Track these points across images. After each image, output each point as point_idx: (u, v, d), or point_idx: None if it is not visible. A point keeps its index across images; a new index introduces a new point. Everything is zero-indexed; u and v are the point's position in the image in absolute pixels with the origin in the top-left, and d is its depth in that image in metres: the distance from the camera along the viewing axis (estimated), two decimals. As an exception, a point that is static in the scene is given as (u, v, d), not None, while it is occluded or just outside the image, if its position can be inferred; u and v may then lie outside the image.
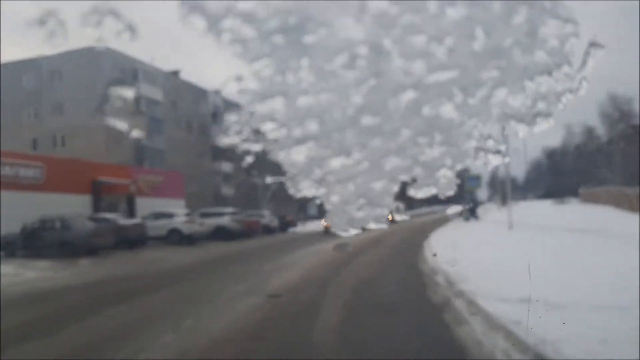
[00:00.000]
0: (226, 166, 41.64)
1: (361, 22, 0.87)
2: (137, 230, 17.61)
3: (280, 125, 1.02)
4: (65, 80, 32.79)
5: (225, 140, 1.02)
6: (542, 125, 0.99)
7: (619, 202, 25.44)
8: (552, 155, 56.46)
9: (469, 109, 0.99)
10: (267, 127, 1.01)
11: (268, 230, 25.68)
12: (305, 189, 1.17)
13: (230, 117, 0.98)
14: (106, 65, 32.01)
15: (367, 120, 1.03)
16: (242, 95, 0.97)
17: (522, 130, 1.01)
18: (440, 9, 0.84)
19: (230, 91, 0.95)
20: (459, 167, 1.13)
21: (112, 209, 22.69)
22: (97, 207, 22.51)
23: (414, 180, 1.18)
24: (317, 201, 1.21)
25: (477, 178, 28.89)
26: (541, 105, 0.96)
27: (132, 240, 17.06)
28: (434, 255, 9.21)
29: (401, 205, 1.26)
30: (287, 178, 1.14)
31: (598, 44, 0.90)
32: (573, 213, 23.03)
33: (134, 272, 10.87)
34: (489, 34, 0.86)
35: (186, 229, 18.92)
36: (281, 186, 37.73)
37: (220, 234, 20.73)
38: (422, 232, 19.18)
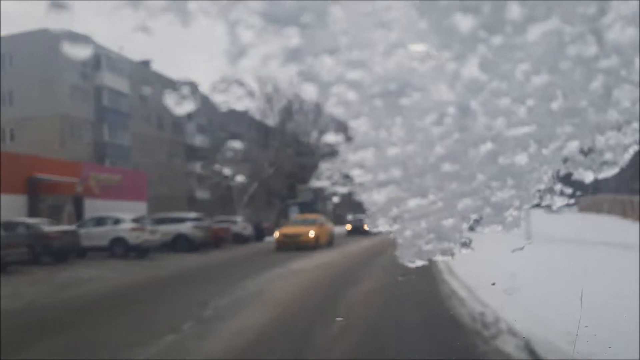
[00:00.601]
0: (201, 166, 41.69)
1: (453, 88, 1.09)
2: (66, 240, 15.68)
3: (367, 171, 1.24)
4: (17, 66, 32.22)
5: (317, 184, 1.23)
6: (607, 172, 1.23)
7: (626, 212, 26.15)
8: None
9: (542, 158, 1.22)
10: (356, 172, 1.22)
11: (240, 239, 24.72)
12: (381, 225, 1.39)
13: (325, 165, 1.19)
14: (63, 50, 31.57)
15: (446, 167, 1.25)
16: (340, 147, 1.18)
17: (588, 176, 1.24)
18: (526, 77, 1.06)
19: (330, 141, 1.17)
20: (525, 207, 1.36)
21: (55, 212, 21.65)
22: (34, 209, 21.11)
23: (481, 218, 1.41)
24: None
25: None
26: (608, 156, 1.19)
27: (60, 252, 15.32)
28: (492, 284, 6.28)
29: (468, 240, 1.49)
30: (366, 216, 1.36)
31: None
32: (584, 223, 23.39)
33: (25, 304, 8.64)
34: (566, 96, 1.09)
35: (133, 238, 17.30)
36: (260, 189, 37.98)
37: (180, 243, 19.72)
38: None
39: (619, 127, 1.15)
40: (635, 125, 1.12)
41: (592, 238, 14.49)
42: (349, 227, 31.07)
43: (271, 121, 40.74)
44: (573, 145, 1.17)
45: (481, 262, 9.25)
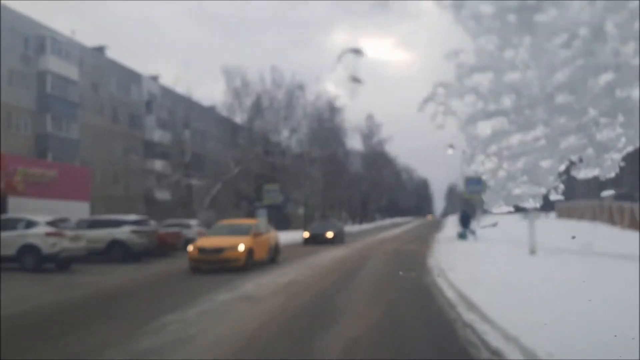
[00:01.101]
0: (160, 165, 40.97)
1: (592, 5, 1.14)
2: None
3: (480, 98, 1.28)
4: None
5: (420, 108, 1.27)
6: None
7: (613, 219, 27.01)
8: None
9: (659, 92, 1.28)
10: (469, 99, 1.26)
11: (194, 245, 23.10)
12: (476, 163, 1.44)
13: (439, 89, 1.23)
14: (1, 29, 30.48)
15: (561, 98, 1.30)
16: (459, 69, 1.22)
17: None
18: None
19: (451, 64, 1.20)
20: (629, 148, 1.42)
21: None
22: None
23: (580, 160, 1.47)
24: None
25: (478, 181, 27.58)
26: None
27: None
28: None
29: (562, 188, 1.54)
30: (464, 152, 1.40)
31: None
32: (573, 231, 23.43)
33: None
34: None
35: (48, 245, 14.82)
36: (225, 190, 37.57)
37: (115, 252, 17.92)
38: (411, 261, 16.61)
39: None
40: None
41: (599, 250, 12.99)
42: (306, 234, 28.39)
43: (239, 118, 40.51)
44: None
45: (502, 286, 8.33)
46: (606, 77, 1.28)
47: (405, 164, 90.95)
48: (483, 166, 1.46)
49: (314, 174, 40.92)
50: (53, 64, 33.18)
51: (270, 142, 40.35)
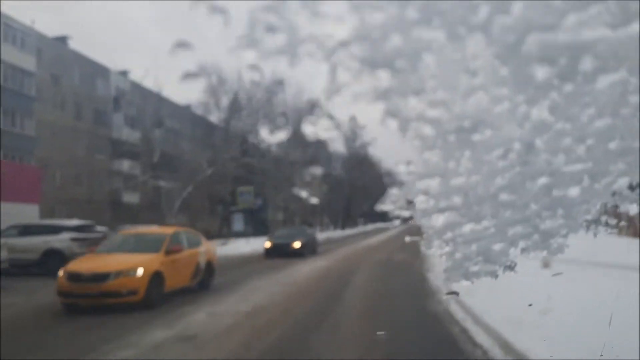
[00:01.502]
0: (128, 165, 40.73)
1: (522, 127, 1.40)
2: None
3: (430, 198, 1.54)
4: None
5: (381, 207, 1.53)
6: (651, 206, 1.58)
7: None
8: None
9: (593, 192, 1.56)
10: (420, 199, 1.53)
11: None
12: (435, 247, 1.72)
13: (393, 191, 1.48)
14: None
15: (504, 197, 1.57)
16: (409, 176, 1.47)
17: (632, 209, 1.59)
18: (590, 120, 1.39)
19: (402, 171, 1.45)
20: (571, 235, 1.70)
21: None
22: None
23: (528, 246, 1.75)
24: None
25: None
26: (655, 191, 1.55)
27: None
28: None
29: (513, 264, 1.81)
30: (423, 238, 1.68)
31: None
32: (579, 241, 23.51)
33: None
34: (624, 138, 1.43)
35: None
36: (197, 193, 37.62)
37: (52, 263, 15.90)
38: (406, 277, 15.57)
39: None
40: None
41: (612, 262, 12.53)
42: (267, 244, 25.61)
43: (215, 117, 40.49)
44: (623, 182, 1.50)
45: (548, 316, 6.10)
46: (542, 181, 1.54)
47: (388, 168, 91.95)
48: (441, 249, 1.72)
49: (295, 177, 41.09)
50: (6, 52, 32.79)
51: (248, 143, 40.45)
